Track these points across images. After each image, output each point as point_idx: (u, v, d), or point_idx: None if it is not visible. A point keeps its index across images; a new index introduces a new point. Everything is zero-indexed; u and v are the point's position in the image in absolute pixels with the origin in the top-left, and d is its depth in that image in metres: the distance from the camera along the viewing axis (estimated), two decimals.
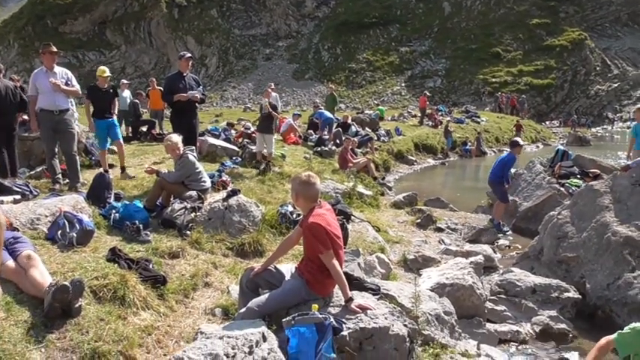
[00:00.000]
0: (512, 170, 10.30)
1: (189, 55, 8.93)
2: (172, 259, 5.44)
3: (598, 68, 51.70)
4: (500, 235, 9.81)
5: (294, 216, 6.85)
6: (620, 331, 3.06)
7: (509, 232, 10.07)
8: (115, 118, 8.97)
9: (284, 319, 3.67)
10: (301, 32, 64.49)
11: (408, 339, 3.94)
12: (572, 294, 6.23)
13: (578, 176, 10.57)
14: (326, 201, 4.89)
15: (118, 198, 6.86)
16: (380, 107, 34.03)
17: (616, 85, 51.16)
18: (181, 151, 6.98)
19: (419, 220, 10.25)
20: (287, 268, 4.36)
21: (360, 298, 4.14)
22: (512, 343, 5.59)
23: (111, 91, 8.85)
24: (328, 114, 18.48)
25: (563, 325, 5.81)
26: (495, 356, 4.86)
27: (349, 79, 55.53)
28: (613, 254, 6.20)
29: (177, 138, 7.07)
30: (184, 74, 8.50)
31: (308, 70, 58.42)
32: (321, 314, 3.65)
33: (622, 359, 3.00)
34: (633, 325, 3.03)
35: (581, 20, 55.77)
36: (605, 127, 45.49)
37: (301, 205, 4.24)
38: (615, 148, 24.90)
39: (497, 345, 5.42)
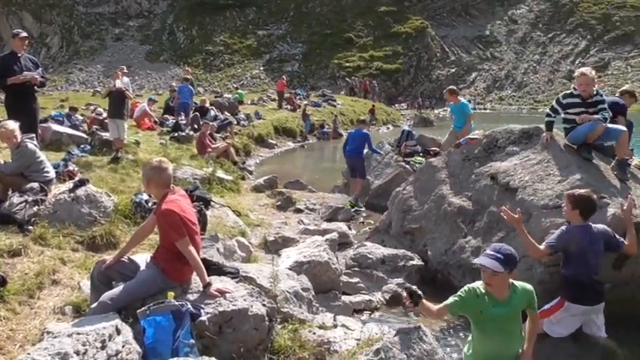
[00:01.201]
0: (365, 150, 11.00)
1: (25, 33, 8.20)
2: (13, 257, 5.01)
3: (438, 54, 56.54)
4: (354, 209, 10.39)
5: (150, 204, 6.62)
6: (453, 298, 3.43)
7: (363, 209, 10.70)
8: None
9: (139, 310, 3.60)
10: (154, 12, 61.48)
11: (267, 318, 4.05)
12: (416, 261, 6.87)
13: (421, 154, 11.57)
14: (184, 187, 4.84)
15: None
16: (239, 91, 33.86)
17: (453, 70, 56.41)
18: (19, 140, 6.42)
19: (279, 203, 10.47)
20: (142, 258, 4.25)
21: (218, 282, 4.17)
22: (365, 311, 6.02)
23: None
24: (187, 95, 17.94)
25: None
26: (350, 325, 5.19)
27: (207, 62, 54.37)
28: (449, 223, 6.91)
29: (13, 125, 6.47)
30: (19, 54, 7.79)
31: (163, 52, 56.04)
32: (177, 301, 3.63)
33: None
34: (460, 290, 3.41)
35: (423, 9, 60.39)
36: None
37: (153, 192, 4.16)
38: None
39: (352, 315, 5.78)
